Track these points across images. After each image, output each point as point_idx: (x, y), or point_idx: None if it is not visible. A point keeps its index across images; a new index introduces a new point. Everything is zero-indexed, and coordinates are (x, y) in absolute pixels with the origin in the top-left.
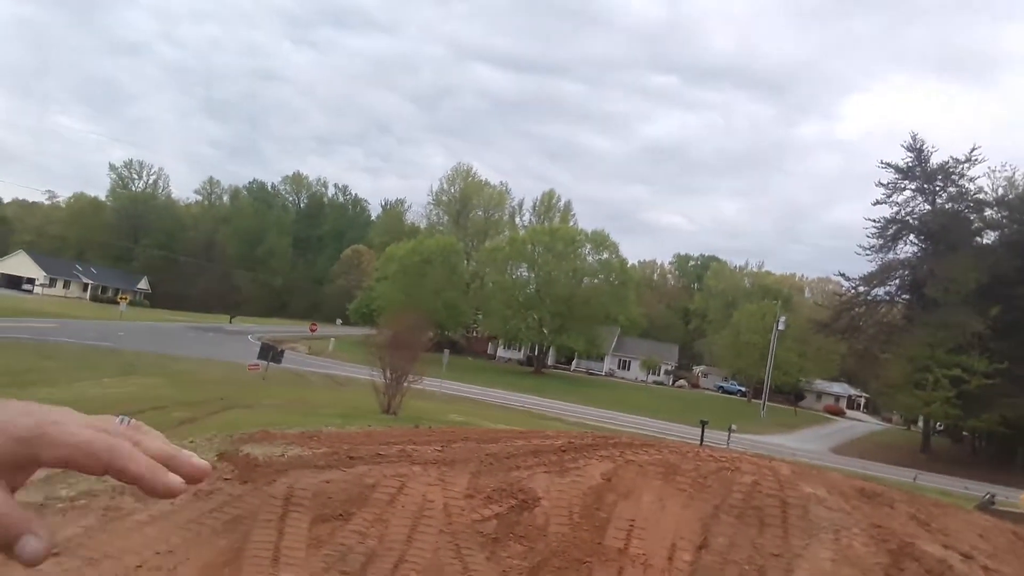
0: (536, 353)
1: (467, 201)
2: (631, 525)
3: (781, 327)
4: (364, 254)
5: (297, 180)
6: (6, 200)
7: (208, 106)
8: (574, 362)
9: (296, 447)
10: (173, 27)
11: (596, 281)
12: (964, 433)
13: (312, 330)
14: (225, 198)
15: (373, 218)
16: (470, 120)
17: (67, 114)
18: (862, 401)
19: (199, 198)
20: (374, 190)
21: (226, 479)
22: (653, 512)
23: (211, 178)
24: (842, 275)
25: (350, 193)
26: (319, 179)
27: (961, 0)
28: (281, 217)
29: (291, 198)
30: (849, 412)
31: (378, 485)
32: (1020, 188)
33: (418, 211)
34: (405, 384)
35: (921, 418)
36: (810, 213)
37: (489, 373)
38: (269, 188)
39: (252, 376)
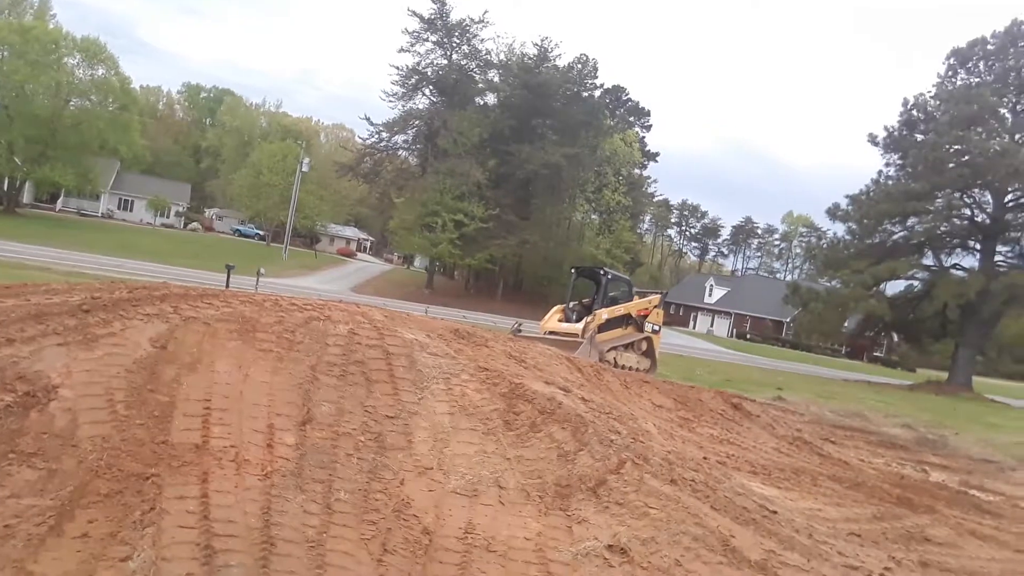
0: (7, 188)
1: None
2: (207, 408)
3: (305, 169)
4: None
5: None
6: None
7: None
8: (60, 200)
9: None
10: None
11: (89, 103)
12: (456, 271)
13: None
14: None
15: None
16: None
17: None
18: (368, 244)
19: None
20: None
21: None
22: (235, 385)
23: None
24: (367, 119)
25: None
26: None
27: None
28: None
29: None
30: (359, 254)
31: None
32: (517, 55)
33: None
34: None
35: (418, 258)
36: (325, 61)
37: None
38: None
39: None
